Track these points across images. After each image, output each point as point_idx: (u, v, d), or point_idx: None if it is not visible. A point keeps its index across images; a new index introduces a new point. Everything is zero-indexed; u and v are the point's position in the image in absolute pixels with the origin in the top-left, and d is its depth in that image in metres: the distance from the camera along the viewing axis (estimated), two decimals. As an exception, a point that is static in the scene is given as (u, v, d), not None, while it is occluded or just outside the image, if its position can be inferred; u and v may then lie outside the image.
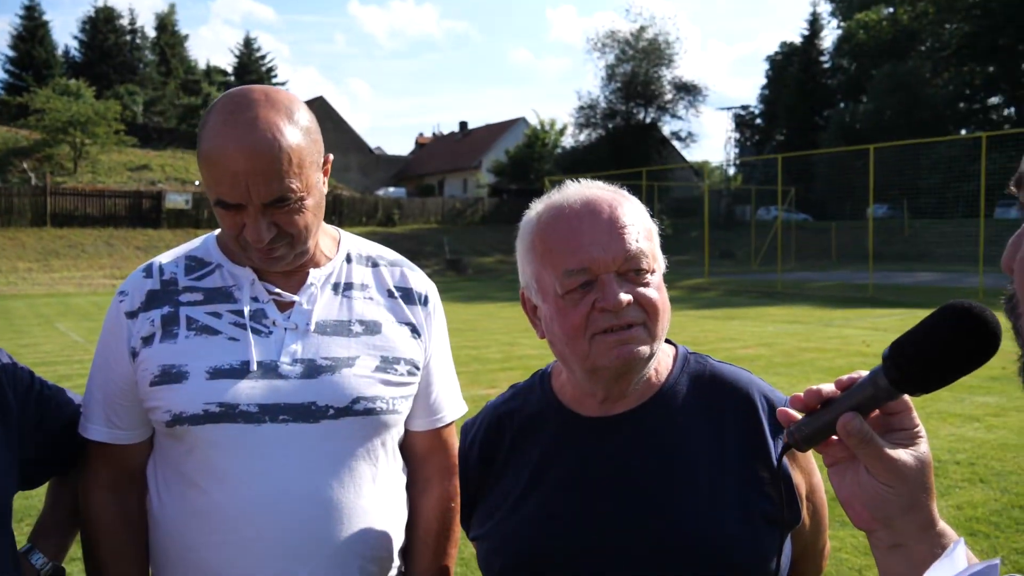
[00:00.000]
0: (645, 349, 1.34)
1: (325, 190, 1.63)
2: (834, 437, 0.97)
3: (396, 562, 1.71)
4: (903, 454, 0.96)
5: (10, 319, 18.47)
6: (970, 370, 0.89)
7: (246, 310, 1.62)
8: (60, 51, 62.76)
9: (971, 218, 29.03)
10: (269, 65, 70.92)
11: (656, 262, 1.39)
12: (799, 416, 1.00)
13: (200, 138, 1.53)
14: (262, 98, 1.52)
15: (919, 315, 0.94)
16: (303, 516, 1.55)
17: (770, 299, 22.86)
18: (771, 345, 13.18)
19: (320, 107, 62.31)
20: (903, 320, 16.39)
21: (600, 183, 1.46)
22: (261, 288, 1.65)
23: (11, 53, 59.50)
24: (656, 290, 1.36)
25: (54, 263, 30.80)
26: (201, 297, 1.64)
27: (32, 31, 59.21)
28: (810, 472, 1.45)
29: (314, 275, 1.68)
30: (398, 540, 1.71)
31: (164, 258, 1.71)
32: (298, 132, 1.52)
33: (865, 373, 0.96)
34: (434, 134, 76.97)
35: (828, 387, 0.99)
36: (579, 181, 1.46)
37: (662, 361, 1.48)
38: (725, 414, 1.43)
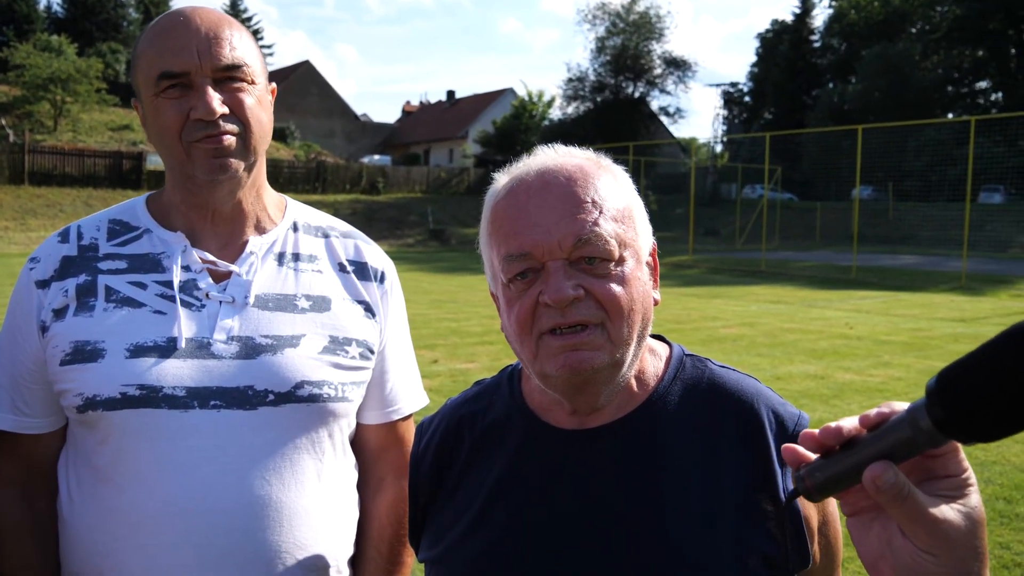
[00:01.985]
0: (601, 357, 1.09)
1: (271, 115, 1.48)
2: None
3: (344, 572, 1.53)
4: (949, 512, 0.74)
5: (-18, 278, 18.12)
6: None
7: (176, 280, 1.42)
8: (42, 6, 61.58)
9: (955, 202, 29.11)
10: (256, 27, 69.90)
11: (629, 249, 1.13)
12: (811, 456, 0.80)
13: (136, 47, 1.43)
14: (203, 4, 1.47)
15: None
16: (235, 517, 1.36)
17: (753, 278, 22.86)
18: (753, 325, 13.08)
19: (306, 72, 61.55)
20: (885, 303, 16.33)
21: (576, 150, 1.21)
22: (194, 256, 1.45)
23: (-9, 7, 58.33)
24: (621, 284, 1.10)
25: (31, 222, 30.23)
26: (124, 265, 1.44)
27: (13, -16, 57.99)
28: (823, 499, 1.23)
29: (255, 243, 1.49)
30: (346, 546, 1.53)
31: (85, 221, 1.51)
32: (244, 30, 1.46)
33: (901, 407, 0.75)
34: (421, 102, 76.18)
35: (850, 423, 0.78)
36: (554, 148, 1.20)
37: (651, 365, 1.24)
38: (725, 432, 1.18)
